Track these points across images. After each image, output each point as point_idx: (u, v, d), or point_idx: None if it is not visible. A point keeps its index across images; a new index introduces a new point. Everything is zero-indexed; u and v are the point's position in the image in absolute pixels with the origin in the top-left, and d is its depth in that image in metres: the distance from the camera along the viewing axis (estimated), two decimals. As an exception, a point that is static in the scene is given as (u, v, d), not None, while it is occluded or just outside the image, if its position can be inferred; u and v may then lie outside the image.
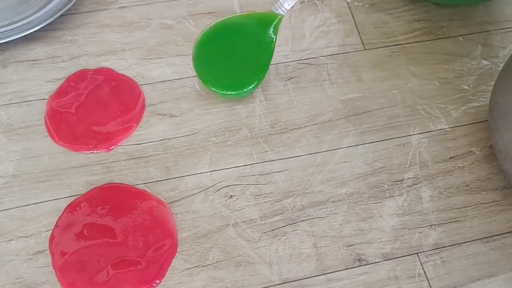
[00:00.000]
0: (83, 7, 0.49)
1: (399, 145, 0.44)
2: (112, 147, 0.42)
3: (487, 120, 0.45)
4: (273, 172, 0.42)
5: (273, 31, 0.43)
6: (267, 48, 0.43)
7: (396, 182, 0.42)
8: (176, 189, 0.41)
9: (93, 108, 0.43)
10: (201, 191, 0.41)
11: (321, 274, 0.38)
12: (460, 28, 0.51)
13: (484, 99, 0.47)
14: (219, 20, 0.43)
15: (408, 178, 0.43)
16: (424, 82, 0.47)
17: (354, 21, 0.50)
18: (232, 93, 0.43)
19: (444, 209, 0.41)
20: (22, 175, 0.41)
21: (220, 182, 0.41)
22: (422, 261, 0.39)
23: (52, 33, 0.47)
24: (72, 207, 0.39)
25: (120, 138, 0.42)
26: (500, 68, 0.47)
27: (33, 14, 0.46)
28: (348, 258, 0.39)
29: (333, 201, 0.41)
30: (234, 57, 0.44)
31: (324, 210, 0.41)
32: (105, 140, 0.42)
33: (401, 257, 0.39)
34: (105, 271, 0.37)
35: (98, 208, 0.39)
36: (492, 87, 0.44)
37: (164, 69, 0.46)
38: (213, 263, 0.38)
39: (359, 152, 0.43)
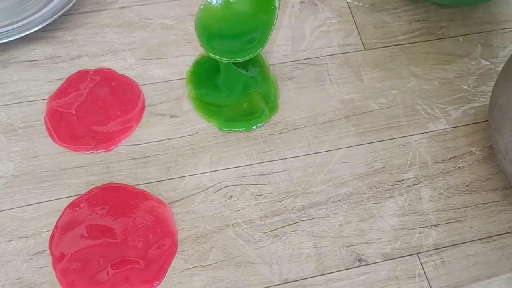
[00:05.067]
0: (83, 7, 0.49)
1: (399, 145, 0.44)
2: (112, 147, 0.42)
3: (487, 120, 0.45)
4: (273, 172, 0.42)
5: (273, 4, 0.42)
6: (269, 16, 0.42)
7: (396, 182, 0.42)
8: (176, 189, 0.41)
9: (93, 108, 0.43)
10: (201, 191, 0.41)
11: (321, 275, 0.38)
12: (460, 28, 0.51)
13: (484, 99, 0.47)
14: None
15: (408, 179, 0.43)
16: (424, 82, 0.47)
17: (354, 21, 0.50)
18: (232, 60, 0.42)
19: (444, 209, 0.41)
20: (22, 175, 0.41)
21: (220, 183, 0.41)
22: (422, 261, 0.39)
23: (52, 33, 0.47)
24: (72, 207, 0.39)
25: (120, 138, 0.42)
26: (500, 68, 0.47)
27: (33, 14, 0.46)
28: (348, 258, 0.39)
29: (333, 201, 0.41)
30: (236, 26, 0.43)
31: (324, 210, 0.41)
32: (105, 140, 0.42)
33: (401, 257, 0.39)
34: (105, 271, 0.37)
35: (98, 208, 0.39)
36: (492, 87, 0.44)
37: (164, 70, 0.46)
38: (213, 263, 0.38)
39: (359, 152, 0.43)
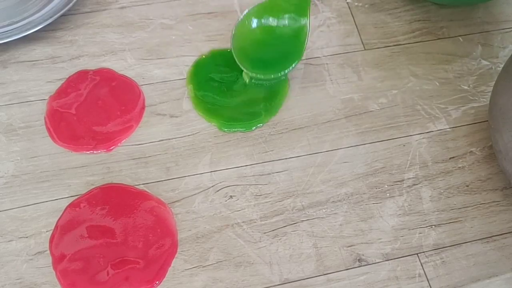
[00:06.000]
0: (83, 7, 0.49)
1: (399, 145, 0.44)
2: (112, 147, 0.42)
3: (487, 120, 0.45)
4: (273, 173, 0.42)
5: (304, 14, 0.44)
6: (300, 34, 0.44)
7: (396, 183, 0.42)
8: (176, 189, 0.41)
9: (93, 108, 0.43)
10: (201, 192, 0.41)
11: (321, 275, 0.38)
12: (460, 28, 0.51)
13: (484, 99, 0.47)
14: (259, 4, 0.44)
15: (408, 179, 0.43)
16: (424, 82, 0.47)
17: (354, 21, 0.50)
18: (265, 76, 0.44)
19: (444, 210, 0.41)
20: (22, 175, 0.41)
21: (220, 183, 0.41)
22: (422, 261, 0.39)
23: (52, 33, 0.47)
24: (72, 208, 0.39)
25: (120, 138, 0.42)
26: (500, 68, 0.47)
27: (33, 14, 0.46)
28: (348, 258, 0.39)
29: (333, 201, 0.41)
30: (270, 42, 0.44)
31: (324, 211, 0.41)
32: (105, 140, 0.42)
33: (401, 257, 0.39)
34: (105, 272, 0.37)
35: (98, 209, 0.39)
36: (492, 87, 0.44)
37: (164, 70, 0.46)
38: (213, 264, 0.38)
39: (359, 152, 0.43)
